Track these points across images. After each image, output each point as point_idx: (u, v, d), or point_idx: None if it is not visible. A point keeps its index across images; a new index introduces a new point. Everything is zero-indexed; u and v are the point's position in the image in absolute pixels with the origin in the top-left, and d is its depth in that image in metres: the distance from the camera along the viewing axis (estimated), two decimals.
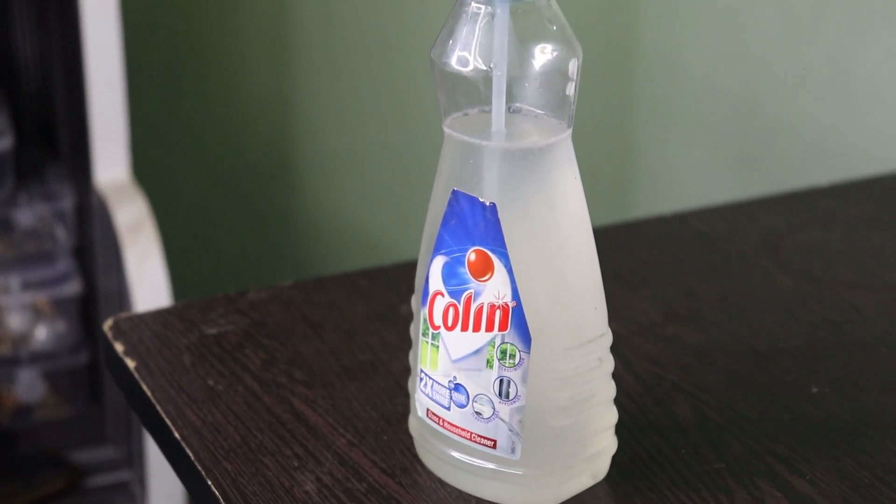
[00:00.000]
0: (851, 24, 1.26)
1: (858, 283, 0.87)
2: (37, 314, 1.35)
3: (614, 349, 0.68)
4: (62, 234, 1.35)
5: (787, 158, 1.34)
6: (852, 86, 1.26)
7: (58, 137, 1.40)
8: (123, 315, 0.84)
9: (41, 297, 1.35)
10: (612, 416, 0.68)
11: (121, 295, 1.26)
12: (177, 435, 0.73)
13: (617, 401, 0.69)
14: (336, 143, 1.59)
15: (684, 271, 0.89)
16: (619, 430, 0.70)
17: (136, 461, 1.30)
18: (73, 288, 1.35)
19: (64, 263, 1.35)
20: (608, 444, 0.69)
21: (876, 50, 1.23)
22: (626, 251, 0.91)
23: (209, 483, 0.69)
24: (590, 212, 0.67)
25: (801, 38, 1.31)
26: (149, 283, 1.23)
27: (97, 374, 1.38)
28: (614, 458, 0.69)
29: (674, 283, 0.87)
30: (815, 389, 0.76)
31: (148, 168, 1.46)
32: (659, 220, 0.95)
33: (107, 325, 0.83)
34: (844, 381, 0.77)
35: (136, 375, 0.78)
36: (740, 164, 1.40)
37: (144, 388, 0.77)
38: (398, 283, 0.86)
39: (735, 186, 1.39)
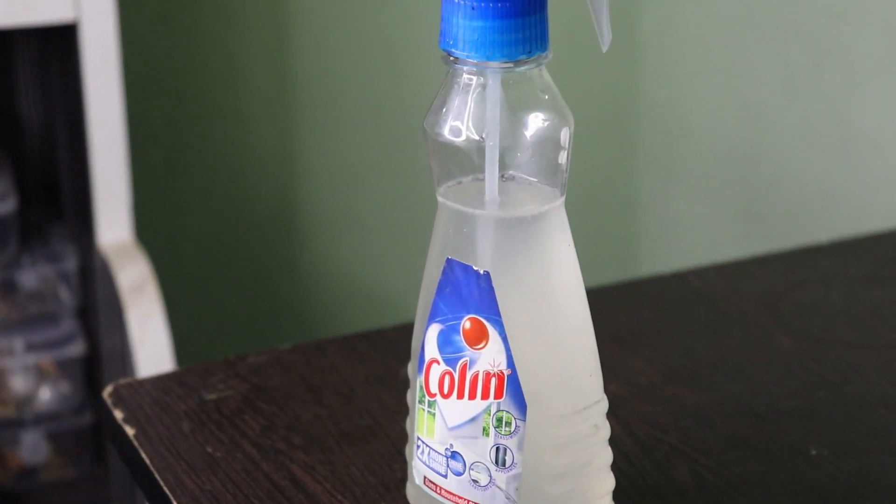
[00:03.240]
0: (851, 76, 1.26)
1: (858, 342, 0.86)
2: (41, 375, 1.35)
3: (613, 411, 0.68)
4: (66, 296, 1.35)
5: (789, 211, 1.34)
6: (853, 138, 1.26)
7: (61, 199, 1.41)
8: (123, 381, 0.84)
9: (45, 359, 1.35)
10: (610, 482, 0.68)
11: (124, 355, 1.26)
12: None
13: (615, 464, 0.69)
14: (340, 201, 1.59)
15: (683, 331, 0.89)
16: (618, 494, 0.70)
17: None
18: (76, 349, 1.35)
19: (67, 324, 1.35)
20: None
21: (876, 102, 1.24)
22: (626, 311, 0.91)
23: None
24: (593, 267, 0.67)
25: (801, 91, 1.31)
26: (151, 343, 1.23)
27: (101, 435, 1.38)
28: None
29: (673, 343, 0.87)
30: (814, 451, 0.76)
31: (151, 227, 1.46)
32: (658, 279, 0.95)
33: (106, 391, 0.83)
34: (844, 443, 0.76)
35: (135, 443, 0.78)
36: (742, 217, 1.40)
37: (143, 455, 0.77)
38: (398, 345, 0.87)
39: (737, 240, 1.39)
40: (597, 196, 1.53)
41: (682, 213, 1.48)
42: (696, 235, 1.46)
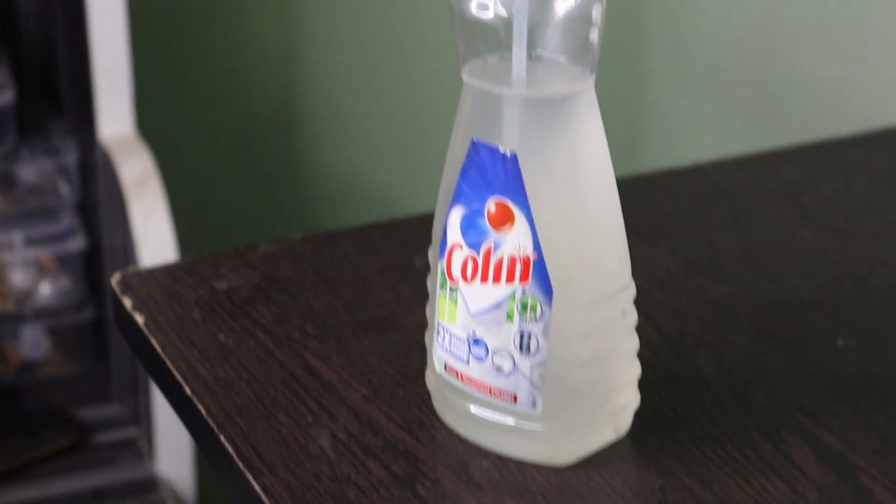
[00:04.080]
0: None
1: (883, 233, 0.85)
2: (41, 270, 1.34)
3: (635, 303, 0.67)
4: (66, 190, 1.33)
5: (803, 110, 1.32)
6: (869, 35, 1.24)
7: (60, 91, 1.38)
8: (131, 270, 0.82)
9: (45, 253, 1.33)
10: (635, 369, 0.67)
11: (126, 251, 1.24)
12: (188, 391, 0.72)
13: (639, 355, 0.68)
14: (343, 96, 1.57)
15: (704, 223, 0.87)
16: (642, 384, 0.68)
17: (142, 418, 1.29)
18: (77, 244, 1.33)
19: (68, 219, 1.34)
20: (631, 399, 0.67)
21: None
22: (644, 203, 0.89)
23: (222, 439, 0.68)
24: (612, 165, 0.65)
25: None
26: (155, 238, 1.21)
27: (102, 331, 1.37)
28: (637, 414, 0.68)
29: (693, 235, 0.85)
30: (841, 342, 0.74)
31: (153, 122, 1.44)
32: (676, 171, 0.93)
33: (115, 279, 0.81)
34: (871, 334, 0.75)
35: (146, 331, 0.77)
36: (754, 116, 1.38)
37: (154, 343, 0.76)
38: (411, 236, 0.85)
39: (749, 139, 1.37)
40: (603, 94, 1.51)
41: (692, 112, 1.46)
42: (706, 135, 1.44)
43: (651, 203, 0.89)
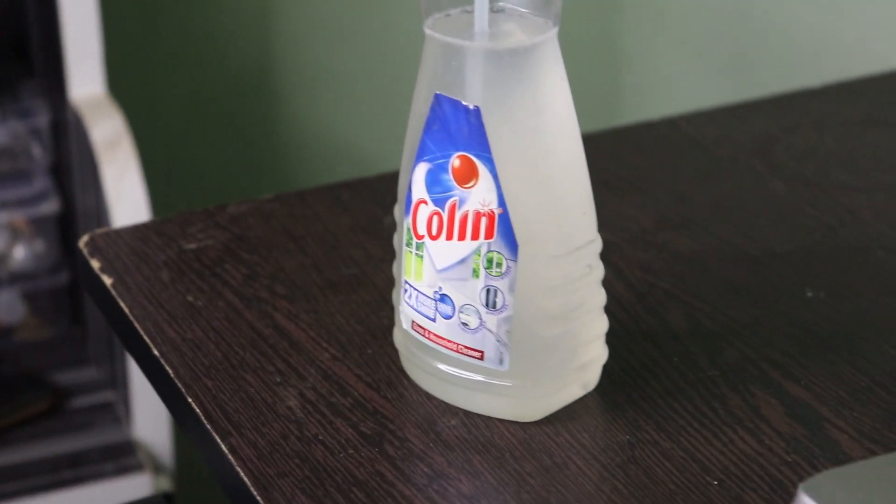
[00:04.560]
0: None
1: (853, 185, 0.85)
2: (14, 234, 1.33)
3: (604, 257, 0.66)
4: (38, 152, 1.32)
5: (779, 61, 1.31)
6: None
7: (31, 52, 1.37)
8: (99, 231, 0.82)
9: (18, 217, 1.32)
10: (603, 324, 0.67)
11: (99, 212, 1.23)
12: (156, 352, 0.71)
13: (608, 309, 0.67)
14: (317, 55, 1.56)
15: (675, 177, 0.86)
16: (611, 339, 0.68)
17: (119, 382, 1.29)
18: (50, 206, 1.33)
19: (41, 181, 1.33)
20: (599, 354, 0.67)
21: None
22: (615, 157, 0.88)
23: (189, 400, 0.68)
24: (577, 118, 0.65)
25: None
26: (127, 199, 1.20)
27: (78, 295, 1.36)
28: (606, 368, 0.68)
29: (664, 189, 0.85)
30: (810, 294, 0.74)
31: (125, 83, 1.43)
32: (648, 125, 0.93)
33: (82, 241, 0.81)
34: (840, 285, 0.75)
35: (114, 292, 0.76)
36: (730, 67, 1.38)
37: (122, 305, 0.75)
38: (382, 194, 0.84)
39: (725, 90, 1.37)
40: (581, 46, 1.50)
41: (668, 64, 1.45)
42: (681, 87, 1.44)
43: (623, 157, 0.89)
